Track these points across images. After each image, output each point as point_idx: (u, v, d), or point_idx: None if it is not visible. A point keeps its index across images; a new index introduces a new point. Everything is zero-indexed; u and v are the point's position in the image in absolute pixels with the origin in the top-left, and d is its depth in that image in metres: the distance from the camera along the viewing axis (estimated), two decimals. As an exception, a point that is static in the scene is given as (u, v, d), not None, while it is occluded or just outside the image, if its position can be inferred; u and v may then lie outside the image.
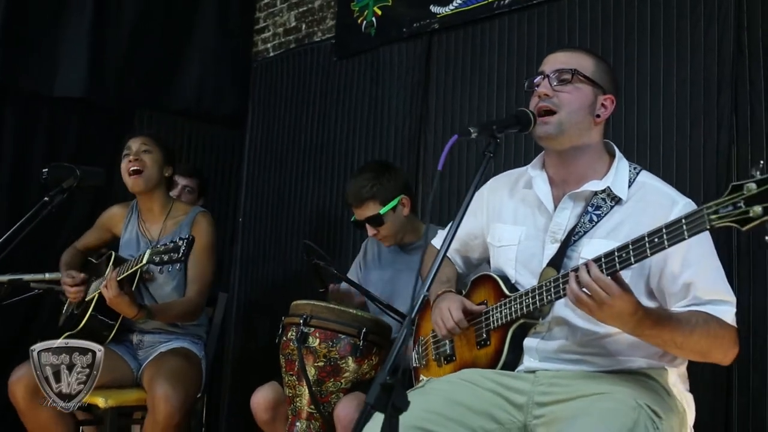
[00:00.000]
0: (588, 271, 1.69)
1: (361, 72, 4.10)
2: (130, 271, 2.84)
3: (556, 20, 3.25)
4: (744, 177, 1.46)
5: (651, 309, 1.75)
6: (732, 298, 1.86)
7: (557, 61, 2.02)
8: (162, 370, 2.90)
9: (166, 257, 2.68)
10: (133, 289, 2.97)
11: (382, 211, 2.95)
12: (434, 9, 3.71)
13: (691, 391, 2.53)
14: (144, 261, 2.77)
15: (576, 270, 1.73)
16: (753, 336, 2.61)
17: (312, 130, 4.35)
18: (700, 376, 2.56)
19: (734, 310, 1.85)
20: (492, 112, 3.45)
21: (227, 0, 4.67)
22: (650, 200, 1.93)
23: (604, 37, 3.08)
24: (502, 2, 3.42)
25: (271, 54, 4.72)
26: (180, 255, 2.65)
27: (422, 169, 3.70)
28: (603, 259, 1.70)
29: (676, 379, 1.96)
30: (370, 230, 3.00)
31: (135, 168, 3.14)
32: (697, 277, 1.83)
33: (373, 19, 4.00)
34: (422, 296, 1.61)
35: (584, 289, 1.70)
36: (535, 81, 2.03)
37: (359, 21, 4.08)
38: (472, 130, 1.79)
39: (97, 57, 4.08)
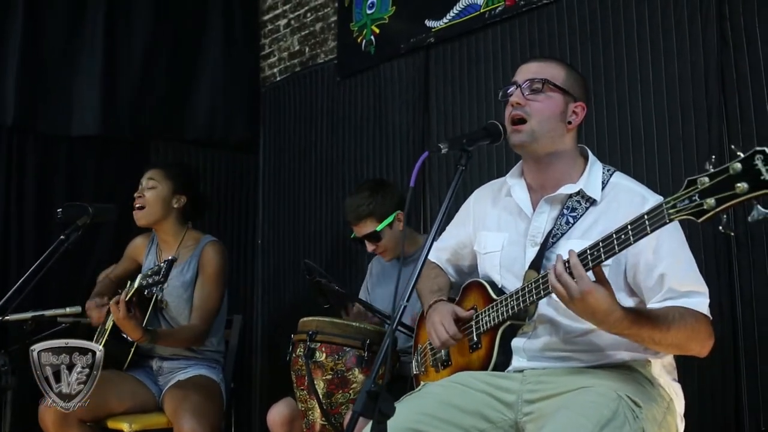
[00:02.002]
0: (566, 261, 1.74)
1: (364, 89, 4.18)
2: (129, 295, 2.91)
3: (546, 25, 3.30)
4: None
5: (630, 310, 1.78)
6: (705, 289, 1.90)
7: (529, 71, 2.08)
8: (186, 404, 2.98)
9: (151, 280, 2.83)
10: (147, 315, 3.09)
11: (379, 228, 3.04)
12: (429, 23, 3.78)
13: (700, 383, 2.55)
14: (135, 285, 2.91)
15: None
16: (758, 324, 2.62)
17: (321, 148, 4.44)
18: (708, 369, 2.58)
19: (708, 300, 1.89)
20: (492, 119, 3.49)
21: (233, 29, 4.76)
22: (622, 200, 1.98)
23: (593, 38, 3.12)
24: (493, 12, 3.48)
25: (278, 78, 4.82)
26: (160, 277, 2.78)
27: (428, 181, 3.76)
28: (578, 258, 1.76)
29: (661, 370, 1.99)
30: (369, 246, 3.09)
31: (137, 205, 3.31)
32: (670, 270, 1.87)
33: (372, 37, 4.09)
34: (402, 307, 1.69)
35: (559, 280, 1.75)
36: (508, 91, 2.09)
37: (359, 40, 4.17)
38: (441, 146, 1.86)
39: (109, 94, 4.19)
